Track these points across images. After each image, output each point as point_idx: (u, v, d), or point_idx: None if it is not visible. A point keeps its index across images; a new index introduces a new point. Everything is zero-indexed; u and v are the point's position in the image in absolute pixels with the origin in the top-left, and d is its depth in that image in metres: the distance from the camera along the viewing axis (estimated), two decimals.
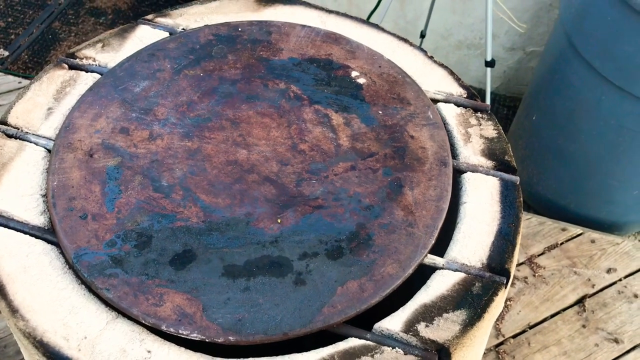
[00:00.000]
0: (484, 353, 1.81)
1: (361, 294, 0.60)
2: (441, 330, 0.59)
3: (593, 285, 1.97)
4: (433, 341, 0.58)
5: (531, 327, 1.87)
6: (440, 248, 0.66)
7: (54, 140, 0.71)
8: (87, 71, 0.79)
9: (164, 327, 0.58)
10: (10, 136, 0.72)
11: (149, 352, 0.57)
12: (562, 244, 2.06)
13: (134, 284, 0.60)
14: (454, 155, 0.73)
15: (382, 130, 0.73)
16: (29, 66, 2.68)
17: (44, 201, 0.68)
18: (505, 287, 0.63)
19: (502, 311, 1.89)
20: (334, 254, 0.63)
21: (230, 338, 0.57)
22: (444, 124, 0.75)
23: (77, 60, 0.80)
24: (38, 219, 0.66)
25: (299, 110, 0.75)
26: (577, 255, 2.04)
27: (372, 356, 0.57)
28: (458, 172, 0.72)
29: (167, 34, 0.84)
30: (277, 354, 0.58)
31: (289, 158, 0.70)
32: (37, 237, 0.64)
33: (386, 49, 0.83)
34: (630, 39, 1.55)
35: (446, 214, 0.68)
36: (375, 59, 0.80)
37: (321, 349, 0.58)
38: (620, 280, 1.99)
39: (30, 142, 0.72)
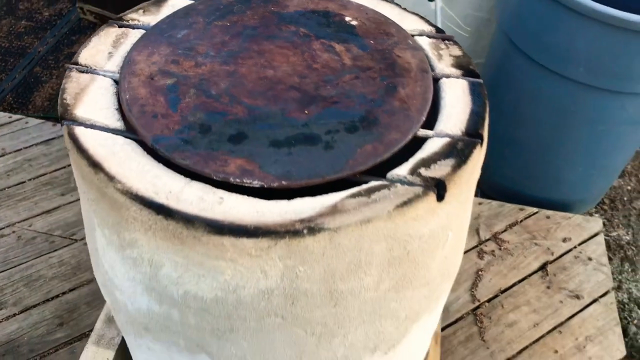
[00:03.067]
0: (463, 317, 2.00)
1: (375, 151, 0.80)
2: (437, 171, 0.79)
3: (552, 253, 2.20)
4: (432, 178, 0.78)
5: (502, 292, 2.08)
6: (429, 127, 0.87)
7: (119, 73, 0.90)
8: (134, 28, 0.99)
9: (231, 179, 0.76)
10: (82, 72, 0.91)
11: (221, 198, 0.75)
12: (521, 221, 2.29)
13: (203, 154, 0.78)
14: (432, 69, 0.95)
15: (375, 53, 0.95)
16: (14, 107, 2.83)
17: (118, 112, 0.86)
18: (481, 146, 0.84)
19: (475, 279, 2.09)
20: (351, 129, 0.83)
21: (284, 182, 0.76)
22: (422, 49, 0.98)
23: (124, 22, 1.00)
24: (116, 124, 0.84)
25: (309, 43, 0.96)
26: (536, 229, 2.27)
27: (388, 189, 0.77)
28: (435, 80, 0.94)
29: (193, 2, 1.05)
30: None
31: (306, 74, 0.91)
32: (117, 133, 0.82)
33: (369, 4, 1.06)
34: (557, 28, 1.83)
35: (430, 107, 0.89)
36: (363, 9, 1.03)
37: (350, 189, 0.77)
38: (575, 247, 2.22)
39: (99, 74, 0.90)
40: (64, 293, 1.95)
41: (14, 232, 2.12)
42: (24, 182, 2.28)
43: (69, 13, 3.42)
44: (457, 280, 2.06)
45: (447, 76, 0.93)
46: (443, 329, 1.91)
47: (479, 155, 0.83)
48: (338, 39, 0.97)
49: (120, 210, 0.77)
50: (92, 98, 0.87)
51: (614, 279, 2.31)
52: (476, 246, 2.16)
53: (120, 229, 0.80)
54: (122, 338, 1.50)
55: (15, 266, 2.02)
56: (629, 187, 2.62)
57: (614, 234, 2.43)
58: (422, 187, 0.77)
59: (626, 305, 2.19)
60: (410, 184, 0.77)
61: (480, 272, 2.08)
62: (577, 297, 2.03)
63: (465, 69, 0.94)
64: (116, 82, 0.90)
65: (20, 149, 2.40)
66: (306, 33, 0.98)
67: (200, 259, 0.74)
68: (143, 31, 0.98)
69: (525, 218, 2.26)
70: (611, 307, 2.01)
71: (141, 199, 0.74)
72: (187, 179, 0.78)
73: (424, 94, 0.88)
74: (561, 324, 1.95)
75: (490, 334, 1.91)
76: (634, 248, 2.38)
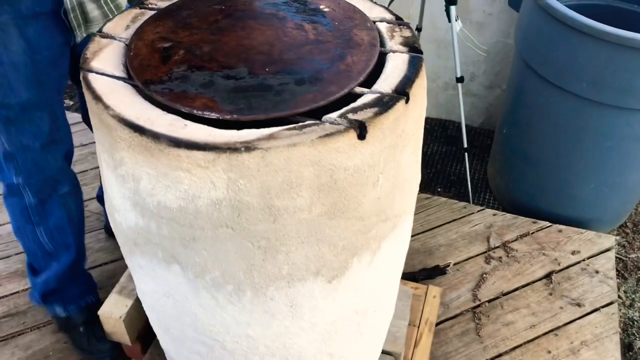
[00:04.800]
0: (462, 313, 2.10)
1: (314, 99, 0.99)
2: (362, 116, 0.97)
3: (559, 264, 2.27)
4: (357, 120, 0.96)
5: (504, 295, 2.17)
6: (368, 88, 1.05)
7: (130, 39, 1.15)
8: (151, 10, 1.24)
9: (195, 112, 0.97)
10: (103, 37, 1.16)
11: (185, 124, 0.96)
12: (533, 233, 2.38)
13: (177, 93, 1.00)
14: (383, 45, 1.14)
15: (337, 32, 1.15)
16: None
17: (123, 66, 1.10)
18: (406, 102, 1.01)
19: (479, 281, 2.19)
20: (300, 83, 1.03)
21: (235, 116, 0.96)
22: (378, 30, 1.17)
23: (145, 5, 1.26)
24: (120, 73, 1.08)
25: (284, 23, 1.18)
26: (546, 241, 2.35)
27: (317, 126, 0.95)
28: (385, 55, 1.12)
29: None
30: None
31: (275, 44, 1.12)
32: (119, 79, 1.06)
33: None
34: (561, 45, 1.96)
35: (375, 74, 1.07)
36: (337, 0, 1.24)
37: (289, 125, 0.96)
38: (583, 260, 2.28)
39: (116, 40, 1.15)
40: (105, 263, 2.22)
41: None
42: (86, 170, 2.59)
43: None
44: (461, 281, 2.17)
45: (394, 51, 1.12)
46: (440, 322, 2.02)
47: (403, 108, 1.01)
48: (309, 20, 1.18)
49: (111, 133, 1.00)
50: (106, 55, 1.11)
51: (627, 297, 2.34)
52: (485, 252, 2.26)
53: (112, 151, 1.02)
54: None
55: None
56: None
57: (633, 255, 2.45)
58: (345, 126, 0.95)
59: (635, 322, 2.21)
60: (337, 123, 0.96)
61: (485, 275, 2.18)
62: (579, 305, 2.09)
63: (411, 46, 1.13)
64: (128, 45, 1.14)
65: (87, 144, 2.73)
66: (284, 15, 1.19)
67: (165, 170, 0.95)
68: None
69: (538, 230, 2.34)
70: (612, 317, 2.06)
71: (125, 121, 0.97)
72: (164, 112, 0.99)
73: (367, 61, 1.07)
74: (558, 327, 2.02)
75: (486, 330, 2.00)
76: None
